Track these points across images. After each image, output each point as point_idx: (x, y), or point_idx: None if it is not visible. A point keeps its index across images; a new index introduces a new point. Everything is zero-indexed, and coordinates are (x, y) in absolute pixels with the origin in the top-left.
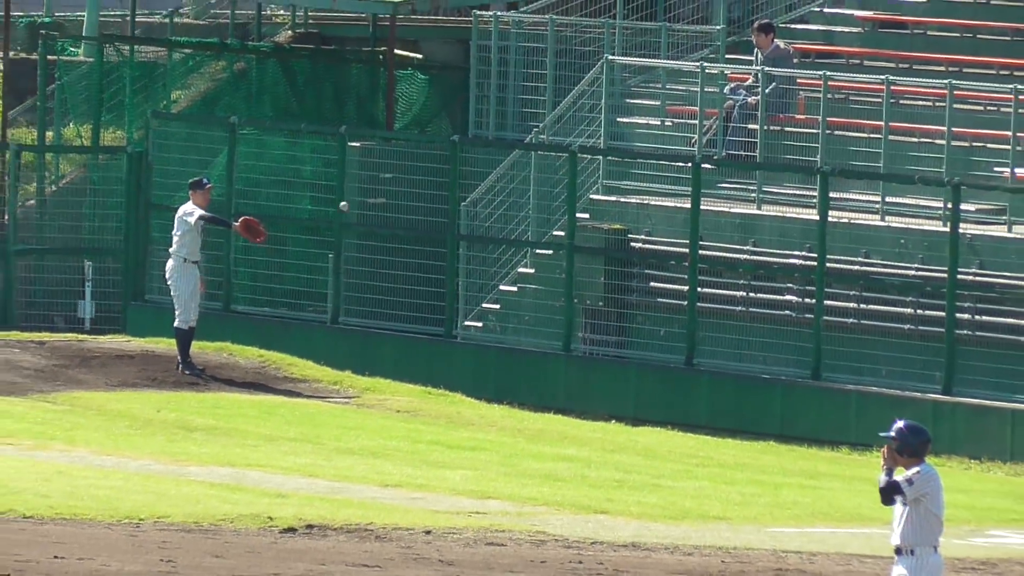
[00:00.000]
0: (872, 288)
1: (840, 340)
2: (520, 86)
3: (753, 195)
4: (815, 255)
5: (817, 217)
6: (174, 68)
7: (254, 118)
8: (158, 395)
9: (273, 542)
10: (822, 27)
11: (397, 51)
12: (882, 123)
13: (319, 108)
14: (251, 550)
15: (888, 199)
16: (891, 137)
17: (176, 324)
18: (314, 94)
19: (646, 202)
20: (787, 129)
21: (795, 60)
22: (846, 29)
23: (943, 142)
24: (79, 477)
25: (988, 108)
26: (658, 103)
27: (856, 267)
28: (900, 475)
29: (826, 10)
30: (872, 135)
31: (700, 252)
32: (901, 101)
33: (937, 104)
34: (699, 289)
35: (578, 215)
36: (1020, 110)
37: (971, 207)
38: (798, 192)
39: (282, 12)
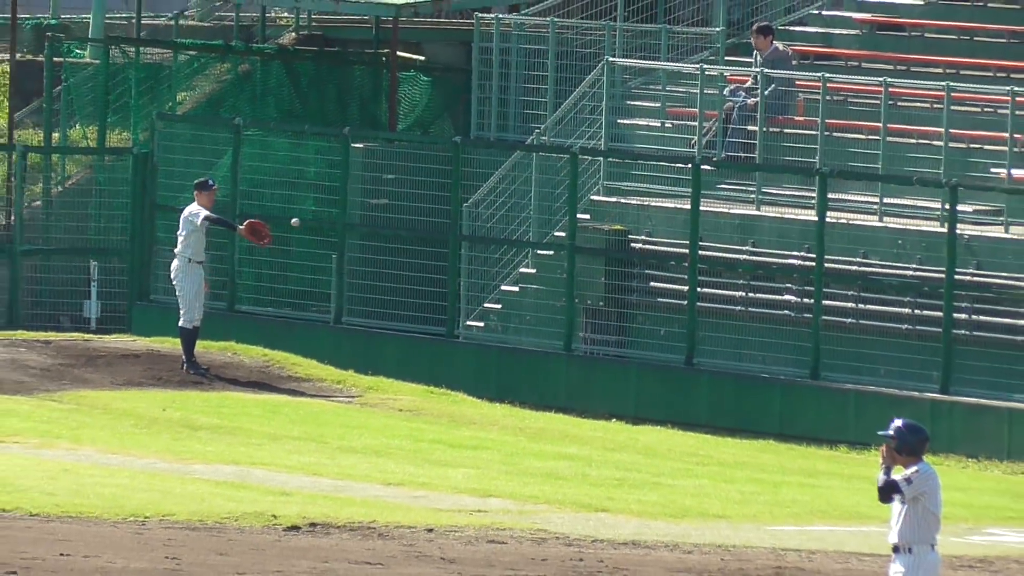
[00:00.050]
0: (870, 288)
1: (838, 340)
2: (522, 88)
3: (752, 196)
4: (814, 255)
5: (816, 218)
6: (179, 70)
7: (258, 120)
8: (163, 394)
9: (277, 540)
10: (821, 29)
11: (400, 53)
12: (880, 125)
13: (323, 110)
14: (255, 548)
15: (886, 200)
16: (889, 139)
17: (181, 324)
18: (318, 96)
19: (646, 203)
20: (786, 131)
21: (794, 62)
22: (844, 31)
23: (941, 143)
24: (85, 475)
25: (985, 110)
26: (658, 105)
27: (854, 267)
28: (899, 474)
29: (824, 12)
30: (870, 136)
31: (700, 252)
32: (899, 103)
33: (935, 106)
34: (699, 289)
35: (579, 216)
36: (1017, 112)
37: (968, 208)
38: (797, 193)
39: (286, 14)
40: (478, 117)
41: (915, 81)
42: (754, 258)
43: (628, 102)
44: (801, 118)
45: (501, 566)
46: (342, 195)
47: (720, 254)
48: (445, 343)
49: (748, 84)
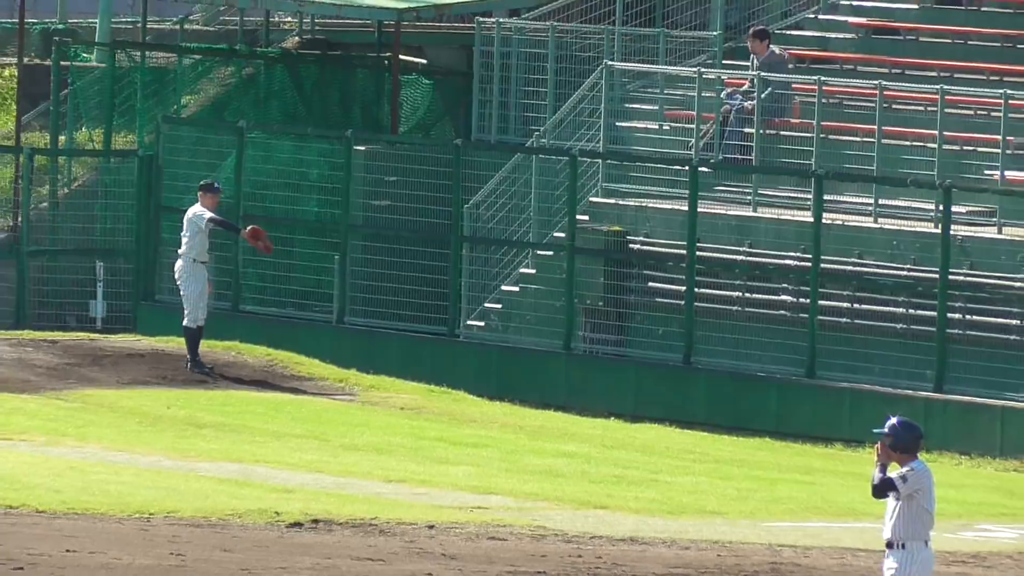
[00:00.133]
0: (865, 288)
1: (834, 339)
2: (522, 91)
3: (749, 197)
4: (810, 256)
5: (812, 219)
6: (184, 73)
7: (262, 122)
8: (168, 393)
9: (280, 536)
10: (816, 33)
11: (402, 57)
12: (875, 127)
13: (325, 112)
14: (259, 544)
15: (881, 201)
16: (884, 141)
17: (185, 323)
18: (321, 99)
19: (645, 204)
20: (782, 133)
21: (790, 65)
22: (840, 35)
23: (935, 146)
24: (91, 473)
25: (979, 113)
26: (656, 108)
27: (850, 268)
28: (894, 471)
29: (820, 16)
30: (865, 139)
31: (697, 253)
32: (894, 106)
33: (929, 109)
34: (696, 289)
35: (578, 217)
36: (1010, 115)
37: (962, 209)
38: (793, 195)
39: (290, 19)
40: (479, 120)
41: (910, 84)
42: (751, 259)
43: (627, 105)
44: (797, 121)
45: (501, 562)
46: (344, 197)
47: (717, 255)
48: (446, 342)
49: (745, 87)
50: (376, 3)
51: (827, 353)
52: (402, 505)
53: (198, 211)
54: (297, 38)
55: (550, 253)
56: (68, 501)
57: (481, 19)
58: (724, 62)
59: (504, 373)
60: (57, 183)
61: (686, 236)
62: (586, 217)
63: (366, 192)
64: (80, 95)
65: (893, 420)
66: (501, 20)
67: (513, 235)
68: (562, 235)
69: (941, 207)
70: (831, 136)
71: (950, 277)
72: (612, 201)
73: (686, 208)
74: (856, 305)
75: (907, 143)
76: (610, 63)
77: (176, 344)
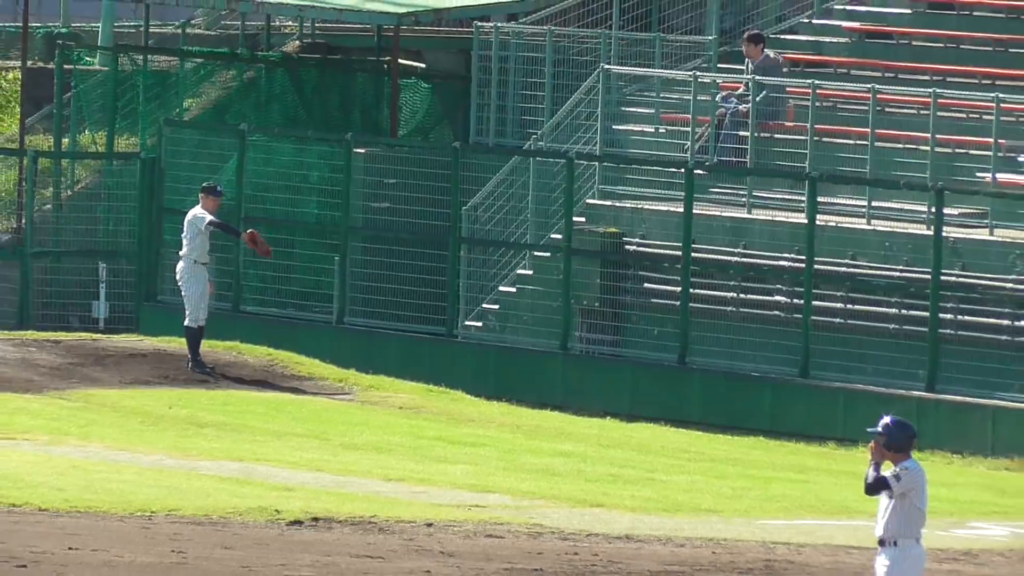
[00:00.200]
0: (858, 289)
1: (828, 339)
2: (519, 94)
3: (744, 200)
4: (804, 257)
5: (805, 221)
6: (186, 77)
7: (263, 125)
8: (170, 392)
9: (280, 534)
10: (810, 37)
11: (401, 61)
12: (868, 130)
13: (326, 116)
14: (259, 542)
15: (874, 203)
16: (877, 144)
17: (186, 323)
18: (321, 102)
19: (640, 206)
20: (777, 136)
21: (784, 69)
22: (834, 39)
23: (927, 148)
24: (93, 471)
25: (971, 116)
26: (652, 111)
27: (843, 269)
28: (887, 470)
29: (815, 21)
30: (859, 142)
31: (693, 254)
32: (887, 109)
33: (922, 112)
34: (691, 290)
35: (575, 219)
36: (1002, 118)
37: (954, 211)
38: (787, 197)
39: (290, 23)
40: (477, 123)
41: (902, 88)
42: (745, 260)
43: (623, 108)
44: (791, 124)
45: (498, 559)
46: (344, 199)
47: (712, 256)
48: (444, 343)
49: (740, 91)
50: (376, 8)
51: (821, 353)
52: (401, 503)
53: (198, 213)
54: (298, 42)
55: (547, 254)
56: (71, 499)
57: (479, 23)
58: (719, 66)
59: (502, 373)
60: (60, 185)
61: (681, 238)
62: (583, 219)
63: (366, 194)
64: (83, 98)
65: (887, 419)
66: (499, 24)
67: (511, 236)
68: (559, 237)
69: (933, 209)
70: (825, 139)
71: (942, 278)
72: (608, 203)
73: (681, 210)
74: (849, 306)
75: (900, 146)
76: (607, 67)
77: (178, 344)
